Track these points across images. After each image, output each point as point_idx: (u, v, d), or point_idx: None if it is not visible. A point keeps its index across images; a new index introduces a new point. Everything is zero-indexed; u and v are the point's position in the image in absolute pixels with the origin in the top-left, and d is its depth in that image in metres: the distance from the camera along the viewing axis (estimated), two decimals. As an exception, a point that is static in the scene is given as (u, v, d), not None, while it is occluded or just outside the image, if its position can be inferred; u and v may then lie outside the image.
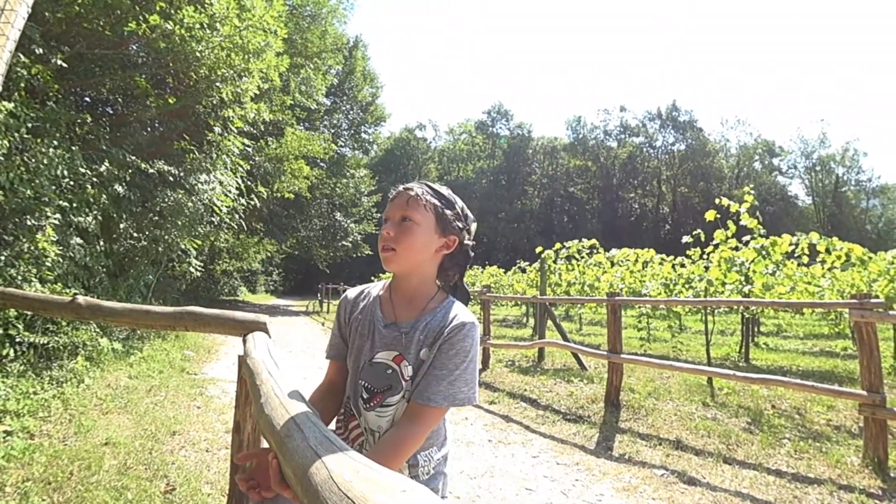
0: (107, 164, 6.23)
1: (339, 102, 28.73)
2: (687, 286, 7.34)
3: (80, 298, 2.68)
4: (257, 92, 8.83)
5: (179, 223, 7.57)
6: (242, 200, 10.51)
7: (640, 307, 8.90)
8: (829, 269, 7.44)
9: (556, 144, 54.11)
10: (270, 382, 1.12)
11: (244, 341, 1.78)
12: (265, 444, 1.78)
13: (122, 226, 7.14)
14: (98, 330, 5.25)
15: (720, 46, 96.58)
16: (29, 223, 4.63)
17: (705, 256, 6.70)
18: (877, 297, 6.26)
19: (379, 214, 25.34)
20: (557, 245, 9.76)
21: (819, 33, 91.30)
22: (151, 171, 7.22)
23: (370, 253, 25.43)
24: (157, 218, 7.55)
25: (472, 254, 1.18)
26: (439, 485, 1.13)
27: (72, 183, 5.44)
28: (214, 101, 7.99)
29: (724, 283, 5.96)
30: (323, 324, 14.13)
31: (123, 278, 7.09)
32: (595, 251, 9.92)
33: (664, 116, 51.50)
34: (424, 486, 0.56)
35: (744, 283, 5.83)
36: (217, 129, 8.69)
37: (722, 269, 5.86)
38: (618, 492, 2.90)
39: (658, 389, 4.99)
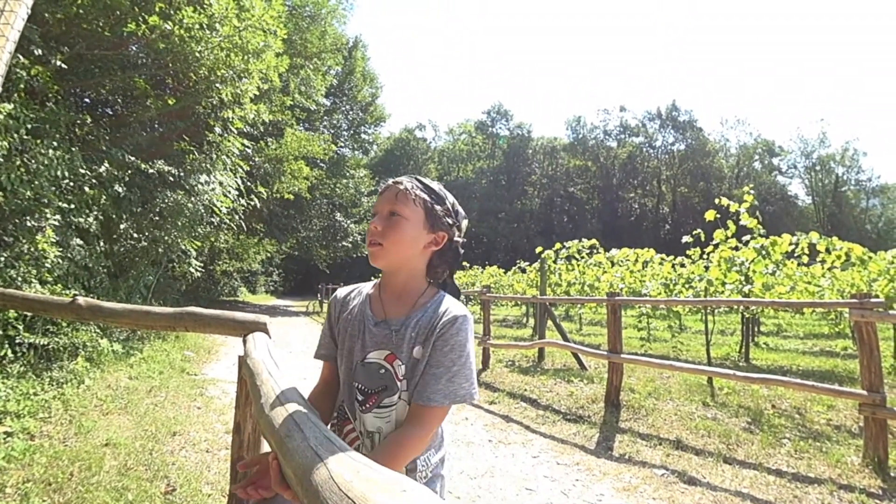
0: (107, 164, 6.23)
1: (338, 103, 28.76)
2: (687, 286, 7.34)
3: (81, 299, 2.68)
4: (257, 93, 8.83)
5: (179, 224, 7.57)
6: (242, 201, 10.51)
7: (640, 307, 8.90)
8: (829, 269, 7.44)
9: (555, 144, 54.12)
10: (271, 383, 1.12)
11: (244, 342, 1.78)
12: (265, 445, 1.78)
13: (122, 226, 7.14)
14: (98, 331, 5.25)
15: (720, 46, 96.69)
16: (29, 224, 4.63)
17: (705, 256, 6.71)
18: (877, 296, 6.26)
19: (379, 215, 25.24)
20: (557, 245, 9.76)
21: (819, 33, 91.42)
22: (151, 171, 7.23)
23: (370, 253, 25.32)
24: (157, 218, 7.55)
25: (462, 251, 1.15)
26: (437, 487, 1.11)
27: (72, 184, 5.44)
28: (214, 102, 7.99)
29: (724, 283, 5.96)
30: (323, 324, 14.11)
31: (123, 279, 7.09)
32: (595, 251, 9.92)
33: (664, 116, 51.53)
34: None
35: (744, 282, 5.83)
36: (217, 130, 8.69)
37: (722, 269, 5.86)
38: (618, 492, 2.90)
39: (658, 389, 4.99)
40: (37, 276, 4.59)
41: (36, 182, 4.68)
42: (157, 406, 4.22)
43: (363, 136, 32.33)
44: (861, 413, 3.21)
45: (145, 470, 2.90)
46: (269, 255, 23.16)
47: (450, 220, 1.11)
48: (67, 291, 4.93)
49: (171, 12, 6.44)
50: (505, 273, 16.16)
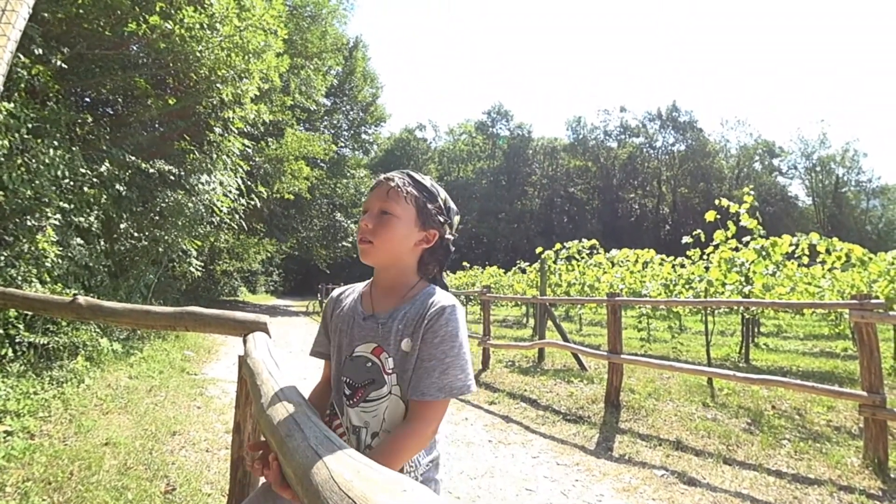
0: (107, 164, 6.23)
1: (339, 103, 28.75)
2: (687, 287, 7.34)
3: (81, 298, 2.69)
4: (258, 93, 8.84)
5: (180, 223, 7.57)
6: (243, 201, 10.51)
7: (640, 308, 8.90)
8: (830, 270, 7.44)
9: (556, 145, 54.12)
10: (271, 382, 1.12)
11: (244, 341, 1.78)
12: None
13: (122, 226, 7.15)
14: (98, 330, 5.25)
15: (720, 47, 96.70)
16: (29, 223, 4.63)
17: (705, 257, 6.70)
18: (877, 297, 6.24)
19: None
20: (557, 245, 9.76)
21: (819, 34, 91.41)
22: (152, 171, 7.23)
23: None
24: (157, 218, 7.56)
25: (453, 248, 1.15)
26: None
27: (72, 183, 5.44)
28: (215, 102, 7.99)
29: (724, 284, 5.96)
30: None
31: (124, 278, 7.09)
32: (595, 252, 9.92)
33: (664, 117, 51.52)
34: None
35: (744, 283, 5.83)
36: (217, 130, 8.69)
37: (722, 270, 5.86)
38: (618, 492, 2.90)
39: (658, 390, 4.98)
40: (37, 276, 4.59)
41: (36, 181, 4.68)
42: (157, 405, 4.22)
43: (363, 136, 32.33)
44: (861, 414, 3.21)
45: (145, 469, 2.90)
46: (269, 254, 23.13)
47: (441, 218, 1.10)
48: (68, 291, 4.93)
49: (172, 12, 6.44)
50: (505, 273, 16.16)
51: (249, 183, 11.27)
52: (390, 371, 1.02)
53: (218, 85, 7.50)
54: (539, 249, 9.00)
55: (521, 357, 7.18)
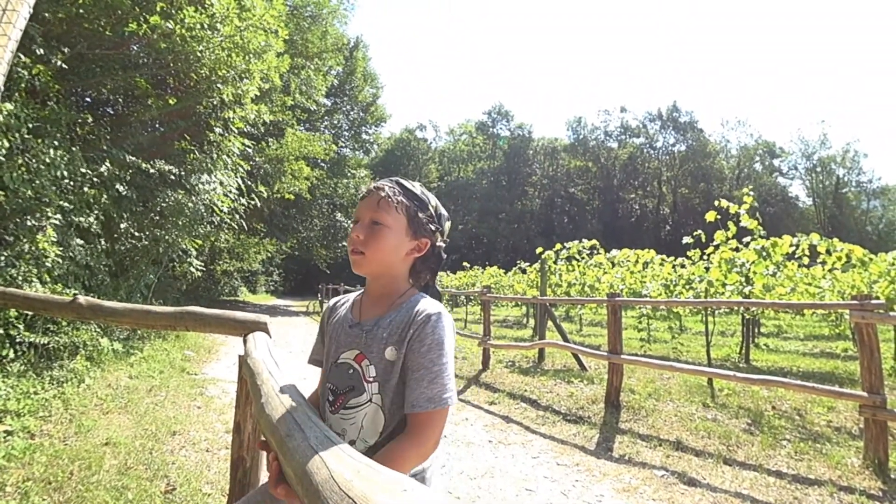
0: (107, 164, 6.24)
1: (339, 103, 28.75)
2: (687, 287, 7.34)
3: (81, 298, 2.69)
4: (258, 93, 8.84)
5: (180, 223, 7.58)
6: (243, 201, 10.51)
7: (640, 308, 8.89)
8: (830, 271, 7.43)
9: (556, 145, 54.12)
10: (271, 382, 1.12)
11: (245, 341, 1.79)
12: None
13: (122, 226, 7.14)
14: (98, 330, 5.25)
15: (720, 47, 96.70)
16: (30, 223, 4.64)
17: (706, 257, 6.70)
18: (877, 298, 6.23)
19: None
20: (558, 246, 9.76)
21: (819, 34, 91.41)
22: (152, 171, 7.23)
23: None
24: (157, 218, 7.56)
25: (445, 255, 1.14)
26: None
27: (72, 183, 5.44)
28: (215, 102, 7.99)
29: (724, 284, 5.96)
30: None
31: (124, 278, 7.09)
32: (595, 252, 9.91)
33: (665, 117, 51.51)
34: None
35: (744, 284, 5.83)
36: (218, 130, 8.69)
37: (722, 270, 5.85)
38: (618, 492, 2.90)
39: (658, 390, 4.98)
40: (37, 276, 4.59)
41: (37, 181, 4.68)
42: (157, 405, 4.23)
43: (364, 136, 32.32)
44: (861, 415, 3.21)
45: (145, 469, 2.90)
46: (269, 254, 23.15)
47: (433, 226, 1.09)
48: (68, 290, 4.93)
49: (173, 12, 6.44)
50: (505, 273, 16.15)
51: (250, 183, 11.28)
52: (371, 379, 1.01)
53: (218, 85, 7.51)
54: (539, 250, 9.00)
55: (521, 357, 7.18)
